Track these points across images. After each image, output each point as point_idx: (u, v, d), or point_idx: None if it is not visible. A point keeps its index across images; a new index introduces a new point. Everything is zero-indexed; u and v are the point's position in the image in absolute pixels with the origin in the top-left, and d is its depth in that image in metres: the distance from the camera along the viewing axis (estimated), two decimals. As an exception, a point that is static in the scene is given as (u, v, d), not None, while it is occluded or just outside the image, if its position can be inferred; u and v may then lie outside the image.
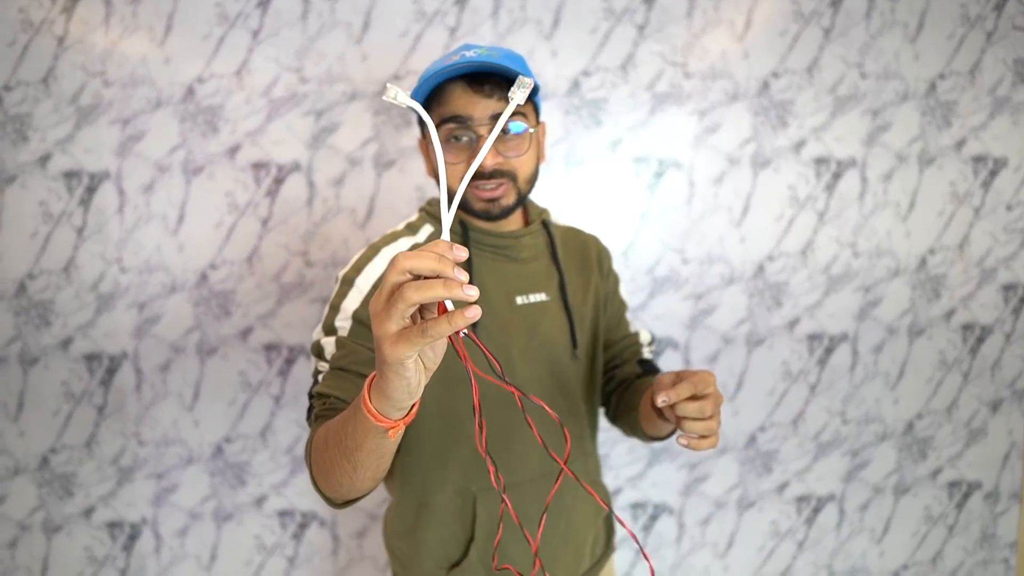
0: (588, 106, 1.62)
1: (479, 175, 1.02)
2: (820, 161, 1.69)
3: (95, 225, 1.55)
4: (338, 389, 0.94)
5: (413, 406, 0.67)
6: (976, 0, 1.70)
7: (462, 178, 1.01)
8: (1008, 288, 1.78)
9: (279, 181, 1.58)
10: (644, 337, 1.23)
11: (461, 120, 1.00)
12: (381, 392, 0.64)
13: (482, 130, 1.00)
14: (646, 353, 1.22)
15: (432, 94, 1.05)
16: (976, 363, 1.79)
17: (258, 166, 1.57)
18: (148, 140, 1.55)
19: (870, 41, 1.68)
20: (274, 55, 1.55)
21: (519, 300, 1.08)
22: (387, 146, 1.59)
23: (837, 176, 1.70)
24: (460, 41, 1.57)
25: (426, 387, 1.03)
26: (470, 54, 1.00)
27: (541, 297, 1.10)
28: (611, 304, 1.22)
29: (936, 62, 1.71)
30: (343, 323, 1.00)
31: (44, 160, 1.53)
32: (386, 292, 0.57)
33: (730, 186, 1.68)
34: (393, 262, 0.56)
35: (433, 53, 1.56)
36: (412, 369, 0.60)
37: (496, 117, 1.00)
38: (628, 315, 1.27)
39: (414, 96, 1.06)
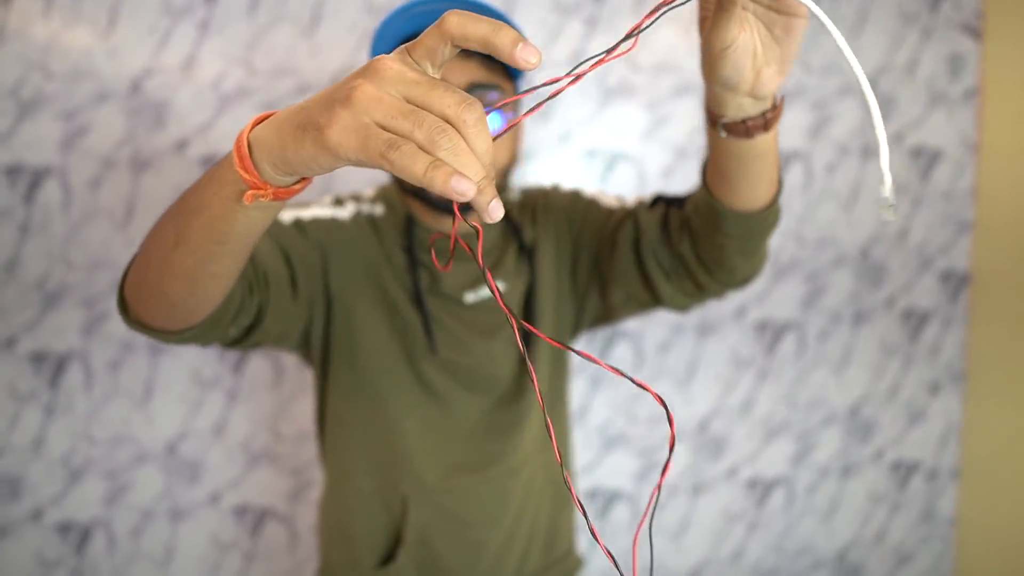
0: (539, 99, 1.64)
1: None
2: (766, 154, 1.74)
3: (39, 222, 1.52)
4: None
5: (293, 187, 0.52)
6: (913, -3, 1.76)
7: None
8: (945, 275, 1.85)
9: (230, 176, 1.57)
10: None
11: None
12: (278, 135, 0.47)
13: None
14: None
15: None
16: (916, 348, 1.86)
17: (208, 160, 1.56)
18: (93, 135, 1.52)
19: (813, 37, 1.72)
20: (222, 49, 1.54)
21: (469, 297, 1.01)
22: (339, 140, 1.59)
23: (783, 167, 1.75)
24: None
25: (357, 358, 0.95)
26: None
27: (499, 287, 1.01)
28: (582, 222, 1.03)
29: (876, 57, 1.76)
30: (285, 214, 0.93)
31: (-16, 155, 1.49)
32: (415, 54, 0.45)
33: (680, 178, 1.71)
34: (445, 21, 0.43)
35: (384, 47, 1.56)
36: (331, 161, 0.45)
37: (476, 85, 0.88)
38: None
39: (374, 53, 0.95)
